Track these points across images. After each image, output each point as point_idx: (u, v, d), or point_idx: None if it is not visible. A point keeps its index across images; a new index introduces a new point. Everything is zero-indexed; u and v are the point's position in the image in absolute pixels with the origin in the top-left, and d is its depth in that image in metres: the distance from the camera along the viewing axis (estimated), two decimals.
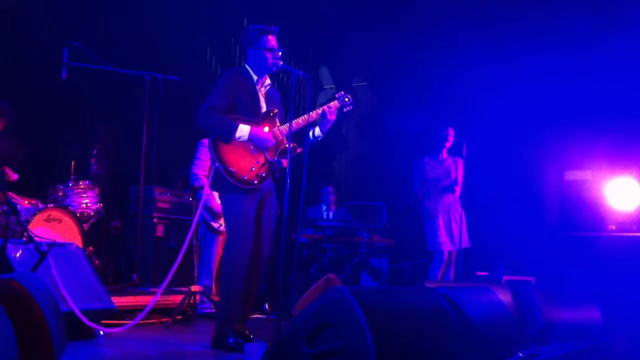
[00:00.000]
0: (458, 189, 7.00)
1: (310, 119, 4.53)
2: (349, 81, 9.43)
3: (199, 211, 5.02)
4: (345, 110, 4.77)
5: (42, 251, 4.46)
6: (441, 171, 7.08)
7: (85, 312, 4.45)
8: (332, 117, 4.62)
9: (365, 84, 9.33)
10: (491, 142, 7.92)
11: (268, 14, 9.05)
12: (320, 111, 4.62)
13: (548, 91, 8.02)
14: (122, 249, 7.15)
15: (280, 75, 8.63)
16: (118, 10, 7.82)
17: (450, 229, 6.93)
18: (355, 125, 9.58)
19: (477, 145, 7.19)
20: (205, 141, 6.04)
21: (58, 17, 7.24)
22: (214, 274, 6.25)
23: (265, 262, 4.55)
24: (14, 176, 5.94)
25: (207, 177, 6.06)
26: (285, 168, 4.39)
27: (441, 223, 6.95)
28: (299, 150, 4.67)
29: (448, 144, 7.10)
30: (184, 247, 4.68)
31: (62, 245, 4.96)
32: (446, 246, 6.93)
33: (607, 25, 7.66)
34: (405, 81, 9.27)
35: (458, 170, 7.04)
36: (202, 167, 6.18)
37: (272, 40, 4.54)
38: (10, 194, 5.62)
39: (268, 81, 4.65)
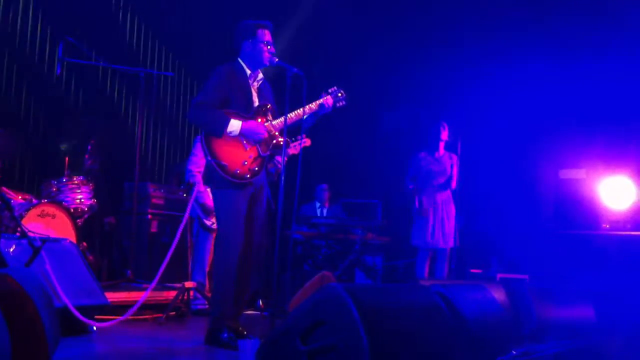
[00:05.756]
0: (453, 182, 7.01)
1: (303, 114, 4.55)
2: (344, 81, 9.39)
3: (189, 207, 5.01)
4: (338, 105, 4.80)
5: (36, 246, 4.45)
6: (437, 167, 7.08)
7: (78, 308, 4.44)
8: (325, 112, 4.67)
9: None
10: (486, 140, 7.92)
11: (263, 10, 9.03)
12: (313, 106, 4.64)
13: (543, 90, 8.02)
14: (116, 244, 7.14)
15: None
16: (114, 5, 7.80)
17: (442, 226, 6.94)
18: (350, 122, 9.58)
19: (472, 144, 7.20)
20: None
21: (53, 13, 7.22)
22: (207, 270, 6.25)
23: (258, 257, 4.54)
24: None
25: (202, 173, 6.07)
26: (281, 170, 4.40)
27: (431, 220, 6.96)
28: (308, 143, 4.75)
29: (443, 137, 7.11)
30: (174, 244, 4.67)
31: (56, 240, 4.95)
32: (433, 244, 6.93)
33: (601, 25, 7.66)
34: (400, 79, 9.26)
35: (453, 167, 7.05)
36: (198, 163, 6.17)
37: (267, 35, 4.55)
38: (4, 189, 5.60)
39: (261, 76, 4.65)
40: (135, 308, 4.77)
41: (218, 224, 4.50)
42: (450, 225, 6.93)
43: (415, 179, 7.14)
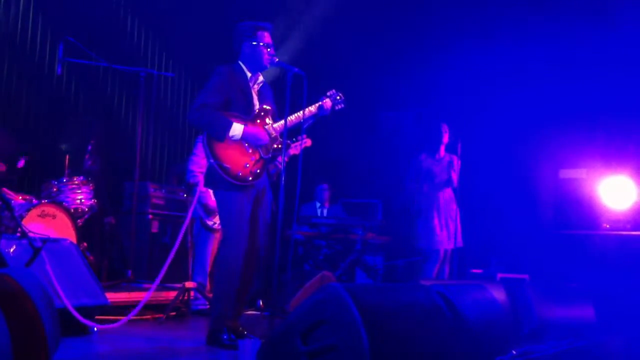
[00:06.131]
0: (454, 183, 7.00)
1: (303, 116, 4.56)
2: (345, 81, 9.43)
3: (192, 207, 5.01)
4: (337, 108, 4.82)
5: (36, 247, 4.44)
6: (438, 168, 7.07)
7: (79, 308, 4.44)
8: (324, 114, 4.71)
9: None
10: (486, 140, 7.92)
11: (262, 10, 9.05)
12: (313, 109, 4.66)
13: (543, 90, 8.02)
14: (116, 245, 7.14)
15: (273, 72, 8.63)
16: (115, 5, 7.80)
17: (447, 227, 6.93)
18: (350, 122, 9.59)
19: (473, 144, 7.20)
20: None
21: (53, 13, 7.22)
22: (209, 270, 6.25)
23: (261, 259, 4.55)
24: (2, 167, 5.89)
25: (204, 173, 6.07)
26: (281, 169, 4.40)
27: (436, 221, 6.95)
28: (309, 143, 4.76)
29: (445, 140, 7.10)
30: (177, 244, 4.68)
31: (56, 241, 4.95)
32: (442, 244, 6.93)
33: (601, 24, 7.67)
34: (401, 79, 9.26)
35: (455, 168, 7.04)
36: (199, 163, 6.17)
37: (267, 36, 4.55)
38: (4, 189, 5.60)
39: (261, 78, 4.65)
40: (138, 309, 4.77)
41: (222, 226, 4.50)
42: (455, 225, 6.93)
43: (417, 180, 7.13)
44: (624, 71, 7.50)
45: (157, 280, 4.97)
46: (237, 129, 4.35)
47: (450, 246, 6.92)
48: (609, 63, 7.58)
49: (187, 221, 5.25)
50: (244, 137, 4.37)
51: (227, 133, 4.33)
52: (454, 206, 7.00)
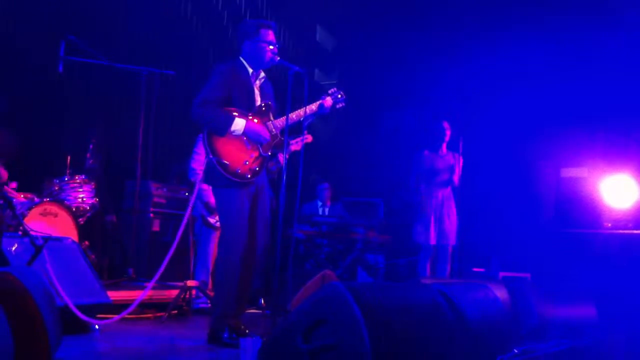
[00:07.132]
0: (456, 180, 7.01)
1: (304, 114, 4.56)
2: (346, 80, 9.45)
3: (191, 204, 5.00)
4: (338, 106, 4.82)
5: (38, 245, 4.45)
6: (440, 165, 7.08)
7: (80, 307, 4.44)
8: (324, 112, 4.72)
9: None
10: (488, 139, 7.92)
11: (262, 10, 9.05)
12: (314, 107, 4.66)
13: (544, 88, 8.02)
14: (118, 243, 7.14)
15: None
16: (115, 4, 7.80)
17: (442, 224, 6.94)
18: (352, 120, 9.58)
19: (474, 142, 7.20)
20: None
21: (55, 10, 7.21)
22: (211, 269, 6.25)
23: (261, 257, 4.54)
24: (4, 175, 5.89)
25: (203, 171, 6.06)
26: (282, 166, 4.40)
27: (432, 218, 6.96)
28: (310, 139, 4.77)
29: (447, 138, 7.11)
30: (176, 242, 4.67)
31: (58, 239, 4.95)
32: (434, 240, 6.94)
33: (603, 24, 7.66)
34: (401, 78, 9.26)
35: (457, 165, 7.05)
36: (200, 161, 6.16)
37: (270, 34, 4.55)
38: (6, 187, 5.60)
39: (262, 74, 4.66)
40: (134, 305, 4.76)
41: (221, 223, 4.50)
42: (451, 222, 6.94)
43: (420, 176, 7.15)
44: (625, 70, 7.49)
45: (155, 278, 4.96)
46: (239, 123, 4.35)
47: (447, 242, 6.93)
48: (610, 62, 7.58)
49: (186, 219, 5.24)
50: (246, 132, 4.37)
51: (229, 128, 4.33)
52: (452, 204, 7.02)
